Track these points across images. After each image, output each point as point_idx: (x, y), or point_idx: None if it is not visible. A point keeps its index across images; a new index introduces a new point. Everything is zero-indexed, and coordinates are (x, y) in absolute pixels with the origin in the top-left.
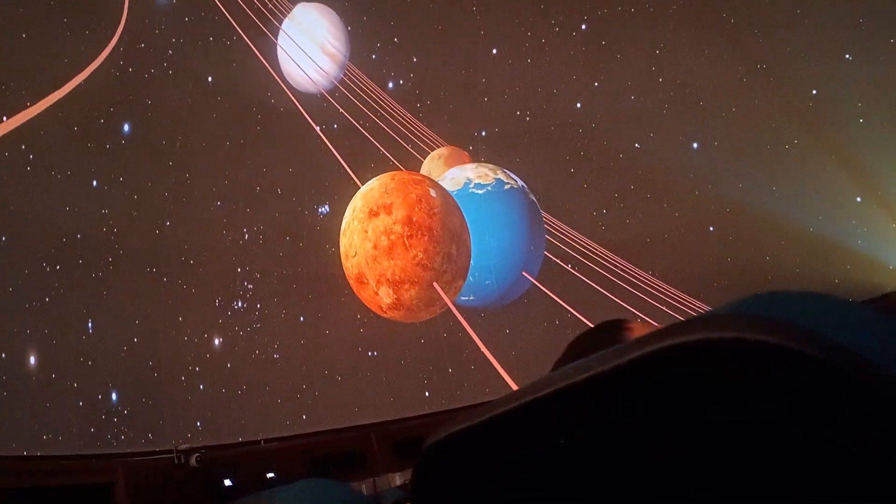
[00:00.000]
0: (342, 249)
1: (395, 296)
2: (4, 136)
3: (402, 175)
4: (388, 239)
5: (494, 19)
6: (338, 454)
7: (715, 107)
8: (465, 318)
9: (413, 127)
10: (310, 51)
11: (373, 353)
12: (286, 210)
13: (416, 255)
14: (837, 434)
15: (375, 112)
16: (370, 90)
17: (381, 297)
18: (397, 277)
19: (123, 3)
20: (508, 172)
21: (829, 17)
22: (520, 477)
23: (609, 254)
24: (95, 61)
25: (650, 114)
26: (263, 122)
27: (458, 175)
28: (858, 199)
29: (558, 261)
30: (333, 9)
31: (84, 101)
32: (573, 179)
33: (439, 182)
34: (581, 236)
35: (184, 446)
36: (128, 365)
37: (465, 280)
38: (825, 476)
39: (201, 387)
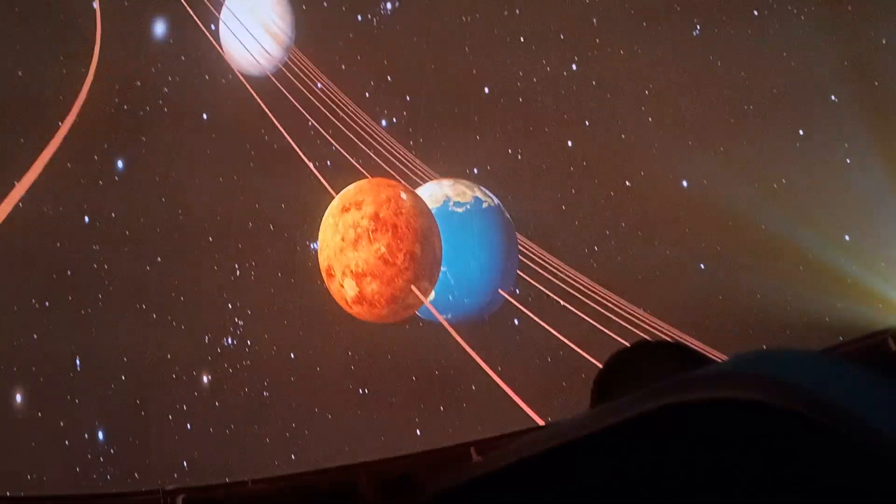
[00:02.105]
0: (318, 245)
1: (358, 288)
2: None
3: (379, 179)
4: (355, 232)
5: (486, 59)
6: (326, 494)
7: (704, 146)
8: (454, 349)
9: (407, 161)
10: (254, 31)
11: (363, 391)
12: (278, 246)
13: (379, 249)
14: (840, 497)
15: (371, 147)
16: (365, 126)
17: (345, 290)
18: (360, 269)
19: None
20: (485, 190)
21: (815, 60)
22: None
23: (602, 290)
24: (81, 96)
25: (640, 152)
26: (257, 159)
27: (436, 192)
28: (847, 238)
29: (553, 295)
30: (326, 45)
31: (78, 138)
32: (565, 217)
33: (420, 196)
34: (574, 272)
35: (170, 487)
36: (115, 403)
37: (431, 285)
38: None
39: (189, 426)
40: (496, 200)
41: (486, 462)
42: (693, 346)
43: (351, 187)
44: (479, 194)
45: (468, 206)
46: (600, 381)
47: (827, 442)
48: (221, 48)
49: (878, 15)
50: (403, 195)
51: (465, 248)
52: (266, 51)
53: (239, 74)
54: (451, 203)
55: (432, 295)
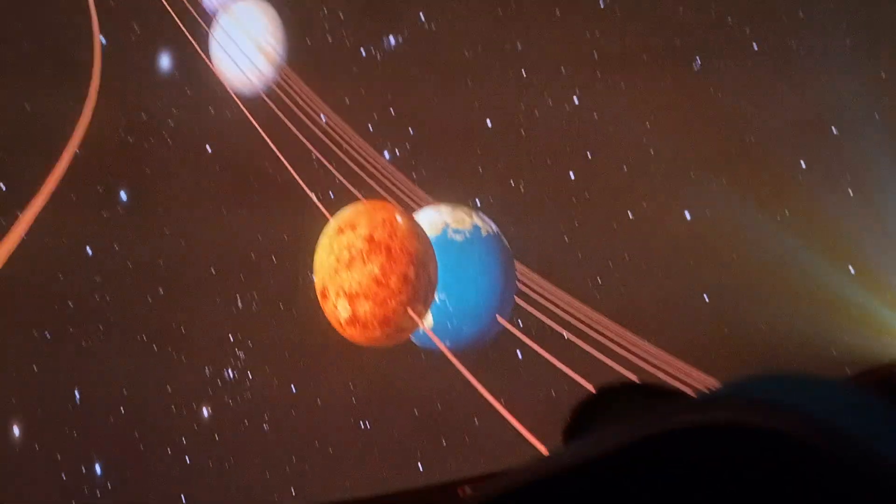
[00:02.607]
0: (314, 266)
1: (351, 310)
2: None
3: (375, 202)
4: (349, 253)
5: (488, 92)
6: None
7: (706, 178)
8: (457, 382)
9: (409, 192)
10: (246, 49)
11: (365, 425)
12: (280, 278)
13: (373, 271)
14: None
15: (374, 177)
16: (368, 158)
17: (339, 311)
18: (353, 290)
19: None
20: (484, 217)
21: (814, 93)
22: None
23: (606, 321)
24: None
25: (643, 184)
26: (260, 191)
27: (435, 219)
28: (851, 270)
29: (557, 326)
30: (330, 79)
31: (82, 169)
32: (568, 248)
33: (418, 221)
34: (577, 303)
35: None
36: (114, 436)
37: (426, 308)
38: None
39: (187, 459)
40: (495, 228)
41: (477, 495)
42: (668, 385)
43: (347, 209)
44: (478, 221)
45: (467, 234)
46: (573, 425)
47: (833, 470)
48: (211, 63)
49: (878, 49)
50: (399, 218)
51: (464, 275)
52: (258, 69)
53: (234, 95)
54: (450, 230)
55: (430, 321)
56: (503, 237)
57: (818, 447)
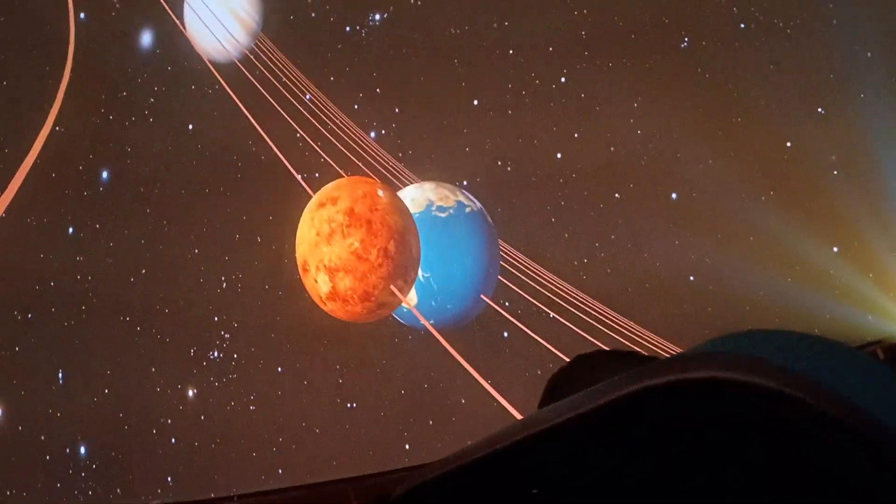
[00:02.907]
0: (296, 241)
1: (332, 284)
2: None
3: (357, 177)
4: (329, 227)
5: (476, 71)
6: None
7: (692, 158)
8: (443, 362)
9: (396, 172)
10: (221, 16)
11: (351, 405)
12: (265, 259)
13: (352, 245)
14: (817, 472)
15: (360, 157)
16: (354, 137)
17: (319, 286)
18: (333, 264)
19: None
20: (467, 194)
21: (802, 73)
22: None
23: (592, 301)
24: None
25: (629, 164)
26: (244, 170)
27: (418, 196)
28: (835, 250)
29: (543, 307)
30: (314, 57)
31: (63, 148)
32: (554, 229)
33: (402, 199)
34: (564, 283)
35: (154, 502)
36: (98, 417)
37: (407, 285)
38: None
39: (173, 440)
40: (478, 204)
41: (454, 457)
42: (644, 353)
43: (329, 184)
44: (461, 198)
45: (451, 211)
46: (549, 394)
47: (821, 428)
48: (185, 29)
49: (864, 29)
50: (380, 192)
51: (448, 253)
52: (233, 36)
53: (208, 62)
54: (433, 207)
55: (414, 298)
56: (487, 214)
57: (787, 396)
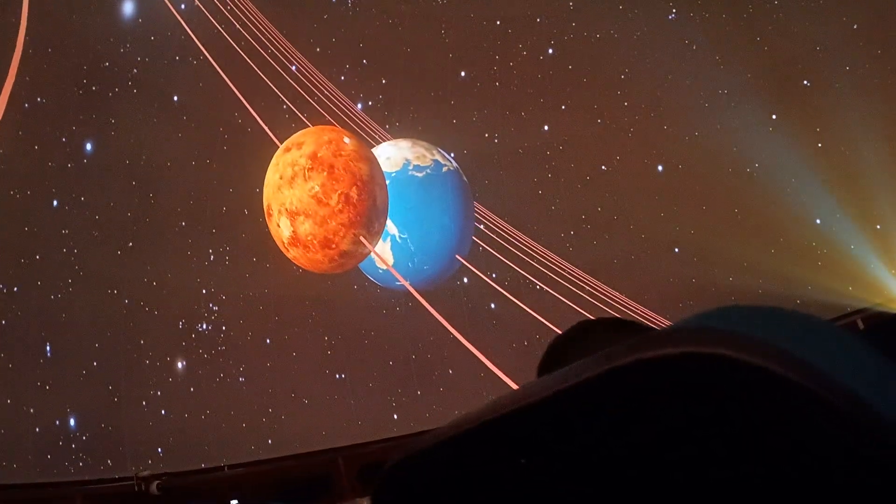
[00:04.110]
0: (264, 186)
1: (293, 228)
2: None
3: (324, 126)
4: (293, 170)
5: (463, 43)
6: (304, 479)
7: (679, 131)
8: (431, 333)
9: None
10: None
11: (340, 376)
12: (253, 231)
13: (313, 188)
14: (795, 448)
15: (348, 128)
16: (342, 107)
17: (281, 230)
18: (294, 208)
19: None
20: (443, 152)
21: (786, 45)
22: (486, 498)
23: (579, 272)
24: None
25: (616, 137)
26: (230, 142)
27: (394, 154)
28: (818, 222)
29: (531, 277)
30: (300, 27)
31: (45, 120)
32: (541, 201)
33: (376, 156)
34: (551, 254)
35: (144, 473)
36: (87, 389)
37: (371, 236)
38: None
39: (163, 412)
40: (454, 164)
41: (447, 428)
42: (644, 323)
43: (299, 132)
44: (438, 157)
45: (428, 171)
46: (547, 360)
47: (795, 399)
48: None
49: (849, 2)
50: (346, 139)
51: (426, 214)
52: None
53: (207, 55)
54: (410, 166)
55: (391, 259)
56: (462, 173)
57: (764, 369)
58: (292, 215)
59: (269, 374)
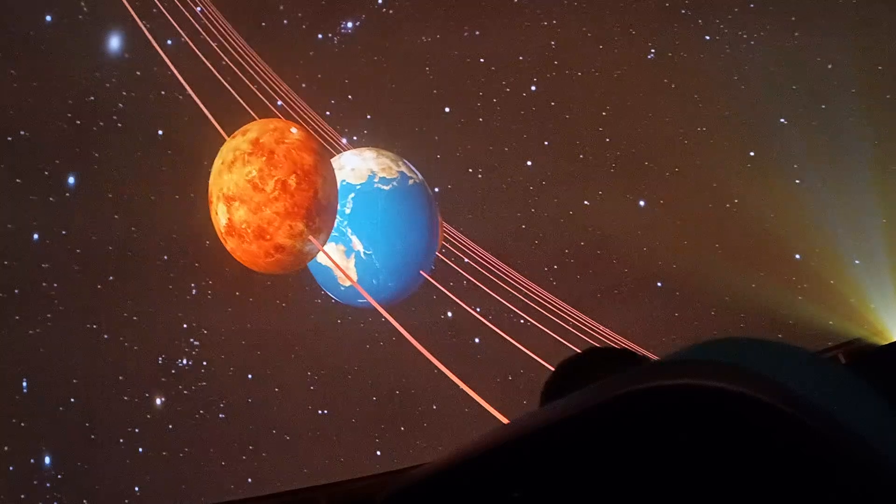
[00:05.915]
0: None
1: (228, 215)
2: None
3: (276, 118)
4: (233, 155)
5: (447, 79)
6: None
7: (659, 166)
8: (415, 368)
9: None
10: None
11: (323, 412)
12: (236, 265)
13: (250, 173)
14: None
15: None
16: (329, 139)
17: (219, 217)
18: (230, 192)
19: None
20: (408, 164)
21: (764, 85)
22: None
23: (565, 305)
24: None
25: (598, 172)
26: None
27: (359, 165)
28: (798, 257)
29: (516, 308)
30: (286, 63)
31: (28, 153)
32: (524, 235)
33: (339, 168)
34: (538, 288)
35: None
36: (63, 427)
37: (312, 232)
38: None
39: (140, 450)
40: (420, 176)
41: (441, 461)
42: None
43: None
44: (404, 169)
45: (395, 184)
46: (551, 385)
47: (773, 423)
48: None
49: (825, 42)
50: (293, 129)
51: (392, 230)
52: None
53: (192, 94)
54: (376, 179)
55: (354, 275)
56: (427, 186)
57: (758, 401)
58: (228, 200)
59: (249, 410)
